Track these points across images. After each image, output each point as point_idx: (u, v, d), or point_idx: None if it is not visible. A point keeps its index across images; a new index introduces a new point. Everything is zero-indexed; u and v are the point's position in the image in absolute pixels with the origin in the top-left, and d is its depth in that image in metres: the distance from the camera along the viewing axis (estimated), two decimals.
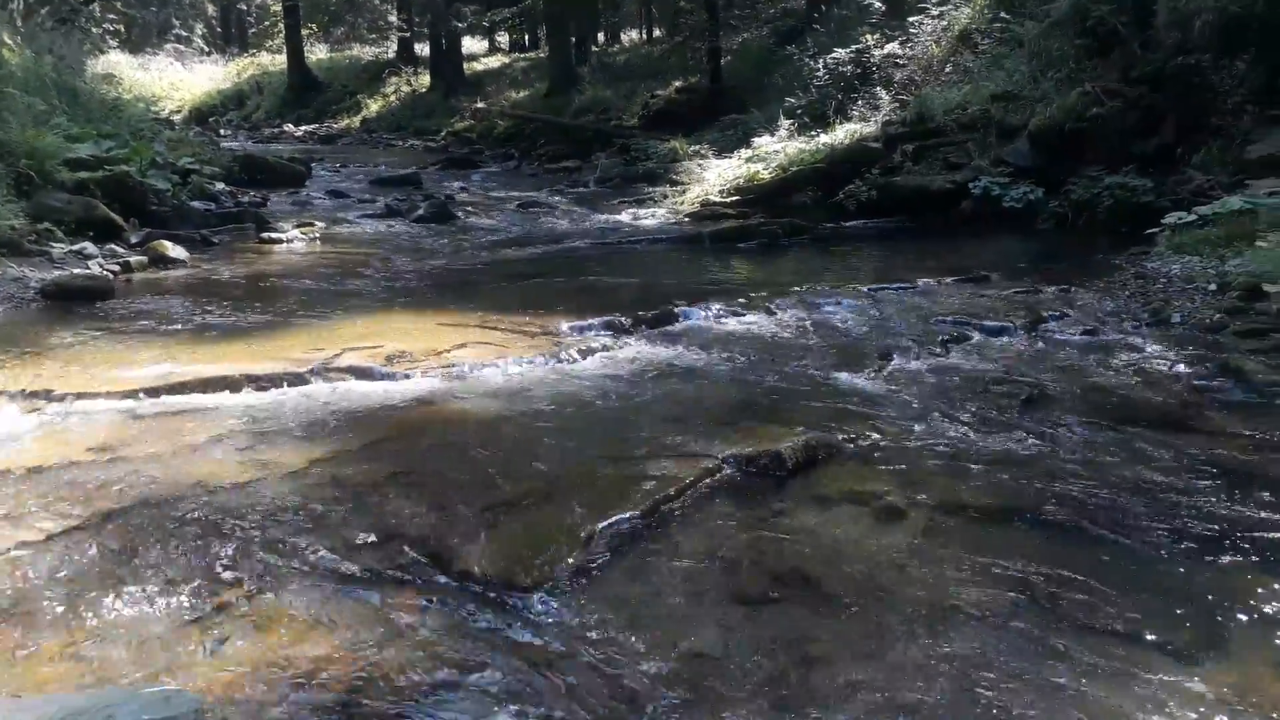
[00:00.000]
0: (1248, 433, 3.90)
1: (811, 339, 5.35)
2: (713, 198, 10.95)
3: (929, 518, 3.23)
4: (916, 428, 3.95)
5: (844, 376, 4.62)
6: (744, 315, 5.85)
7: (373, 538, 3.01)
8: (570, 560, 2.88)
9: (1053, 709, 2.25)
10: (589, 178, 14.92)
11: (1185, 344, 5.19)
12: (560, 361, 4.88)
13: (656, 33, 27.92)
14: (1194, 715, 2.21)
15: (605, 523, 3.07)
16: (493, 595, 2.72)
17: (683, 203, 11.23)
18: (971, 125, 10.55)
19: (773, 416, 4.05)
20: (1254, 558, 2.93)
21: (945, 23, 13.66)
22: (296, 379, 4.49)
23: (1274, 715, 2.21)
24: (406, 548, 2.95)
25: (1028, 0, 12.03)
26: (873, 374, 4.68)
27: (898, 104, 12.58)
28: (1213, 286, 6.17)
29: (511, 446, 3.78)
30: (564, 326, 5.51)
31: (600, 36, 30.31)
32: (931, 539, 3.11)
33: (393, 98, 29.79)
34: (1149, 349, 5.14)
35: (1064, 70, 10.32)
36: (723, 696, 2.29)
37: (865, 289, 6.48)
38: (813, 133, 12.86)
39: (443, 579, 2.80)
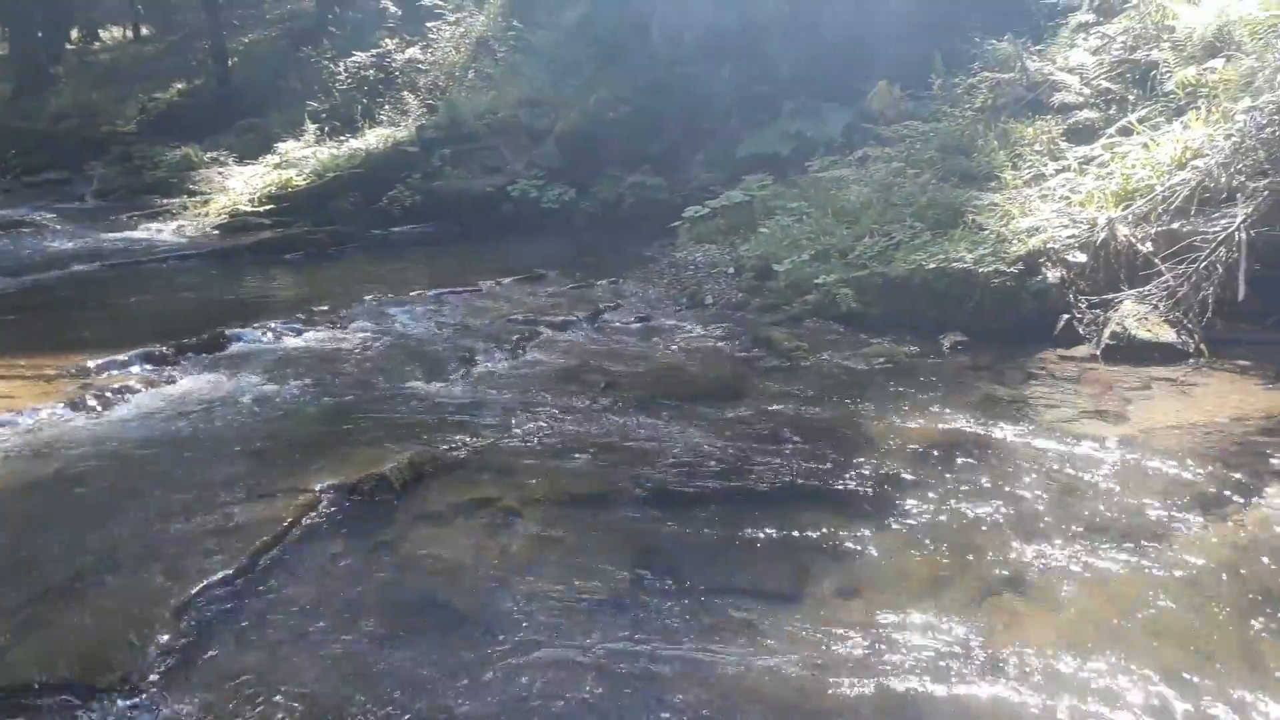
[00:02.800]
0: (787, 393, 4.45)
1: (388, 350, 5.12)
2: (243, 207, 10.10)
3: (542, 516, 3.24)
4: (513, 427, 3.94)
5: (433, 385, 4.49)
6: (308, 331, 5.43)
7: None
8: (158, 643, 2.42)
9: (690, 675, 2.35)
10: (85, 190, 12.97)
11: (721, 322, 5.81)
12: (93, 405, 4.13)
13: (145, 30, 24.99)
14: (796, 650, 2.45)
15: (195, 589, 2.63)
16: (59, 707, 2.19)
17: (208, 214, 10.23)
18: (503, 129, 10.90)
19: (368, 437, 3.79)
20: (817, 502, 3.33)
21: (462, 29, 13.97)
22: None
23: (850, 633, 2.53)
24: None
25: (538, 9, 12.70)
26: (460, 379, 4.60)
27: (426, 109, 12.61)
28: (731, 270, 7.00)
29: (48, 519, 3.09)
30: (91, 364, 4.67)
31: (74, 32, 26.38)
32: (548, 537, 3.11)
33: None
34: (694, 329, 5.68)
35: (581, 77, 11.06)
36: None
37: (430, 294, 6.38)
38: (343, 137, 12.43)
39: None
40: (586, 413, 4.16)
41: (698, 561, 2.94)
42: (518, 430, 3.90)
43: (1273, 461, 3.32)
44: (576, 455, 3.68)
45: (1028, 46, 7.25)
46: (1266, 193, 4.72)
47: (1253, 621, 2.47)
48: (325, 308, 5.89)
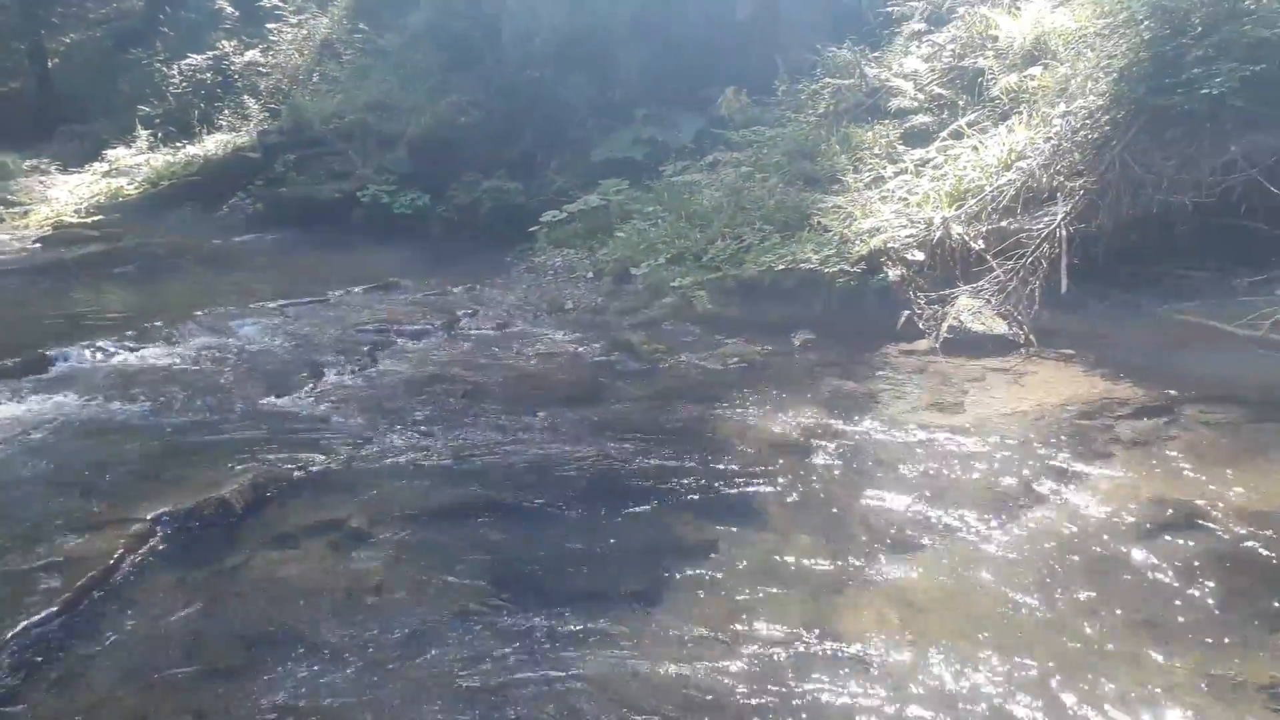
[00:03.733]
0: (647, 396, 4.48)
1: (229, 365, 4.86)
2: (68, 218, 9.45)
3: (395, 533, 3.14)
4: (366, 441, 3.81)
5: (277, 401, 4.29)
6: (141, 349, 5.11)
7: None
8: None
9: (552, 684, 2.33)
10: None
11: (581, 327, 5.80)
12: None
13: None
14: (658, 653, 2.46)
15: (11, 633, 2.43)
16: None
17: (28, 226, 9.52)
18: (351, 134, 10.57)
19: (207, 459, 3.58)
20: (678, 503, 3.35)
21: (305, 31, 13.49)
22: None
23: (710, 633, 2.55)
24: None
25: (384, 11, 12.39)
26: (307, 394, 4.42)
27: (269, 113, 12.13)
28: (590, 274, 7.01)
29: None
30: None
31: None
32: (402, 555, 3.02)
33: None
34: (554, 335, 5.65)
35: (431, 81, 10.85)
36: None
37: (274, 305, 6.11)
38: (179, 144, 11.84)
39: None
40: (442, 424, 4.07)
41: (558, 570, 2.91)
42: (369, 445, 3.77)
43: (1094, 444, 3.55)
44: (431, 468, 3.59)
45: (866, 54, 7.55)
46: (1082, 192, 5.06)
47: (1072, 597, 2.63)
48: (160, 323, 5.55)
